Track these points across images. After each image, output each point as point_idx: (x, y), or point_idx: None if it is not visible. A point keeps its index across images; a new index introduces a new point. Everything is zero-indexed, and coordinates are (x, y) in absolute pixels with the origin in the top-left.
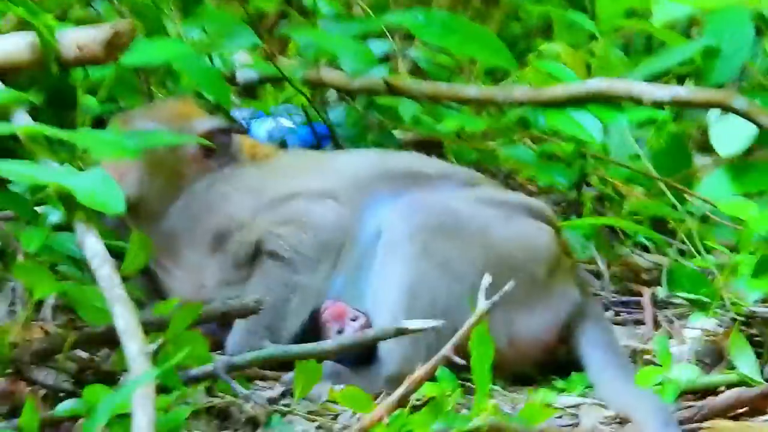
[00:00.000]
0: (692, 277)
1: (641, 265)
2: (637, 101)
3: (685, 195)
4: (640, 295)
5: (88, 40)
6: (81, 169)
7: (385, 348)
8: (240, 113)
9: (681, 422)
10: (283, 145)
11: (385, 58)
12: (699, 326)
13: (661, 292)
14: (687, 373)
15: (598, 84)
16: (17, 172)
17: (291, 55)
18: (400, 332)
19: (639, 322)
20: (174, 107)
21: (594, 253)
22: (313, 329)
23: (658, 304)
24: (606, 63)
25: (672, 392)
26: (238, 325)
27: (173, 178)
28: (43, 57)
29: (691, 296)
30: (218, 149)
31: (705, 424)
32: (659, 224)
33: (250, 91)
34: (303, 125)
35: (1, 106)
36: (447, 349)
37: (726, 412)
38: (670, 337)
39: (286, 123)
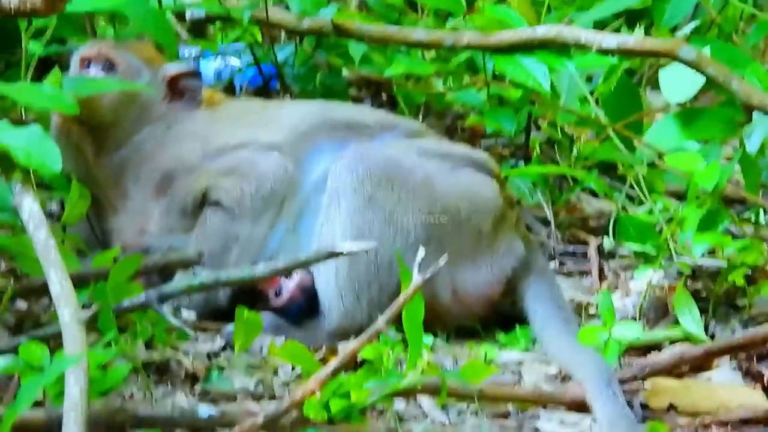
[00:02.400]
0: (639, 227)
1: (589, 212)
2: (585, 48)
3: (634, 142)
4: (587, 244)
5: None
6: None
7: (327, 302)
8: (188, 51)
9: (623, 380)
10: (230, 84)
11: None
12: (645, 279)
13: (608, 242)
14: (630, 331)
15: (546, 30)
16: None
17: None
18: (333, 254)
19: (585, 273)
20: (149, 47)
21: (541, 200)
22: (248, 295)
23: (605, 255)
24: (559, 3)
25: (614, 350)
26: (179, 276)
27: (142, 111)
28: None
29: (638, 248)
30: (185, 93)
31: (647, 382)
32: (609, 168)
33: (198, 29)
34: (251, 65)
35: None
36: (381, 322)
37: (669, 371)
38: (615, 288)
39: (234, 62)
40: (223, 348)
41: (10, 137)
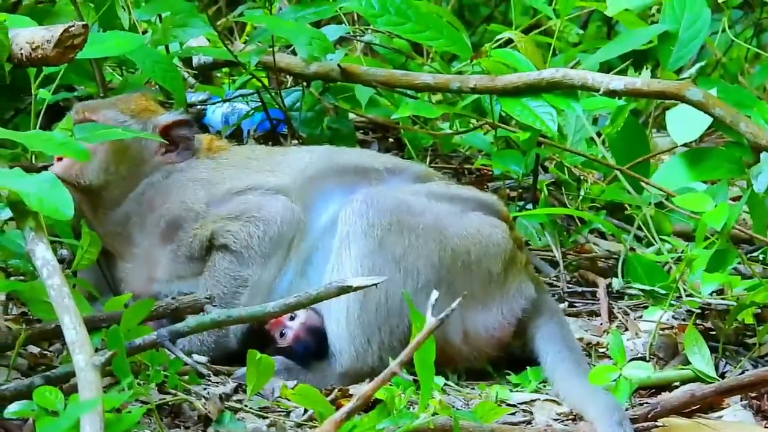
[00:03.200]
0: (648, 267)
1: (597, 252)
2: (592, 91)
3: (642, 183)
4: (596, 285)
5: (41, 42)
6: (32, 166)
7: (337, 344)
8: (195, 97)
9: (635, 420)
10: (238, 129)
11: (341, 40)
12: (654, 319)
13: (617, 283)
14: (641, 371)
15: (552, 73)
16: None
17: (247, 39)
18: (343, 290)
19: (594, 314)
20: (138, 100)
21: (550, 241)
22: (258, 338)
23: (614, 295)
24: (564, 45)
25: (625, 390)
26: (189, 320)
27: (135, 167)
28: None
29: (647, 287)
30: (179, 142)
31: (659, 422)
32: (617, 209)
33: (205, 75)
34: (258, 110)
35: None
36: (395, 365)
37: (680, 410)
38: (625, 330)
39: (242, 107)
40: (235, 390)
41: (23, 183)
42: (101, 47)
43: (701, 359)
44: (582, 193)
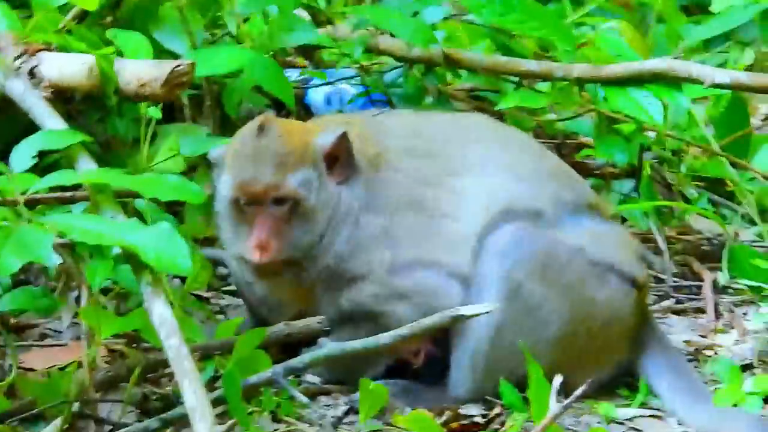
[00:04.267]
0: (753, 257)
1: (701, 233)
2: (697, 83)
3: (742, 166)
4: (701, 278)
5: (149, 78)
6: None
7: (457, 373)
8: (295, 76)
9: None
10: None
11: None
12: (761, 321)
13: (723, 278)
14: (758, 385)
15: (657, 64)
16: (82, 229)
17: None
18: (456, 320)
19: (700, 311)
20: (290, 125)
21: (653, 229)
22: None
23: (719, 289)
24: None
25: (757, 405)
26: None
27: (330, 215)
28: (102, 86)
29: (754, 284)
30: (342, 161)
31: None
32: (719, 184)
33: (308, 53)
34: (361, 95)
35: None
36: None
37: None
38: (731, 328)
39: (345, 87)
40: (346, 413)
41: (138, 237)
42: (211, 64)
43: None
44: (683, 168)
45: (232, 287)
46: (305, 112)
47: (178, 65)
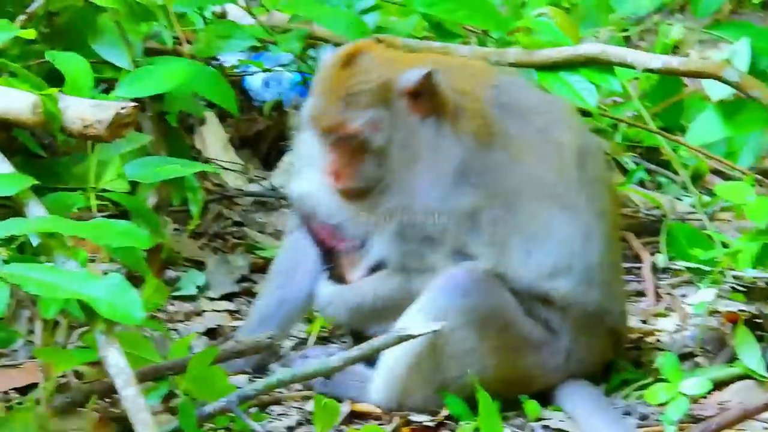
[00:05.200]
0: (691, 237)
1: (639, 207)
2: (630, 68)
3: (676, 141)
4: (640, 258)
5: (93, 120)
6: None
7: (378, 380)
8: (232, 60)
9: None
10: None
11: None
12: (700, 299)
13: (661, 260)
14: (697, 387)
15: (591, 49)
16: (34, 279)
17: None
18: (403, 339)
19: (640, 294)
20: (369, 74)
21: None
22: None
23: (659, 270)
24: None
25: (683, 409)
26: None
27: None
28: (46, 124)
29: (692, 265)
30: (427, 97)
31: None
32: (654, 153)
33: None
34: (300, 84)
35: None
36: None
37: (733, 425)
38: (672, 311)
39: (282, 72)
40: (299, 423)
41: (93, 289)
42: (153, 83)
43: (752, 357)
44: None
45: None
46: (244, 96)
47: (123, 108)
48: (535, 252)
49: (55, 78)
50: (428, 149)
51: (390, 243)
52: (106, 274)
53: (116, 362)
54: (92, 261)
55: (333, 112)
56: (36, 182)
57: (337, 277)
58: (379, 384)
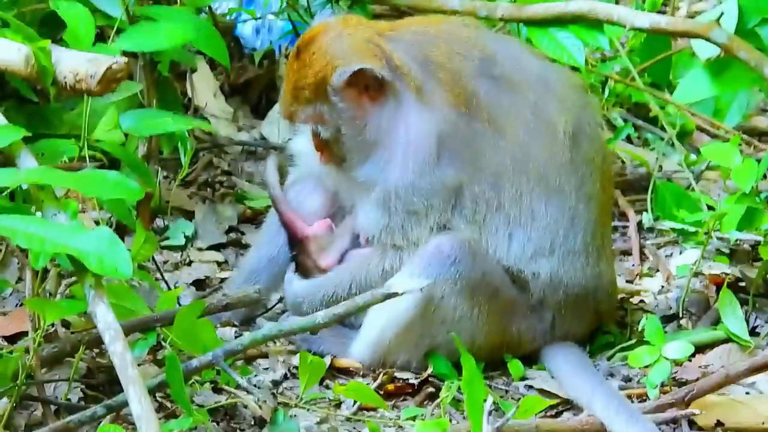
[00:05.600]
0: (677, 196)
1: (626, 164)
2: (618, 25)
3: (664, 99)
4: (626, 216)
5: (85, 74)
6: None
7: (361, 339)
8: (225, 6)
9: (672, 405)
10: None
11: None
12: (683, 261)
13: (647, 219)
14: (680, 351)
15: (580, 6)
16: (22, 232)
17: None
18: (389, 296)
19: (626, 253)
20: (322, 47)
21: None
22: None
23: (644, 230)
24: None
25: (665, 372)
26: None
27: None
28: (38, 77)
29: (677, 226)
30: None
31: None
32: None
33: None
34: (287, 30)
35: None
36: None
37: (715, 390)
38: (656, 272)
39: (272, 19)
40: (284, 376)
41: (80, 242)
42: (152, 40)
43: (735, 321)
44: (606, 94)
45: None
46: (235, 43)
47: (114, 62)
48: (517, 235)
49: (48, 24)
50: (394, 125)
51: (373, 217)
52: (96, 223)
53: (104, 317)
54: (83, 212)
55: (286, 104)
56: (27, 133)
57: (302, 268)
58: (363, 343)
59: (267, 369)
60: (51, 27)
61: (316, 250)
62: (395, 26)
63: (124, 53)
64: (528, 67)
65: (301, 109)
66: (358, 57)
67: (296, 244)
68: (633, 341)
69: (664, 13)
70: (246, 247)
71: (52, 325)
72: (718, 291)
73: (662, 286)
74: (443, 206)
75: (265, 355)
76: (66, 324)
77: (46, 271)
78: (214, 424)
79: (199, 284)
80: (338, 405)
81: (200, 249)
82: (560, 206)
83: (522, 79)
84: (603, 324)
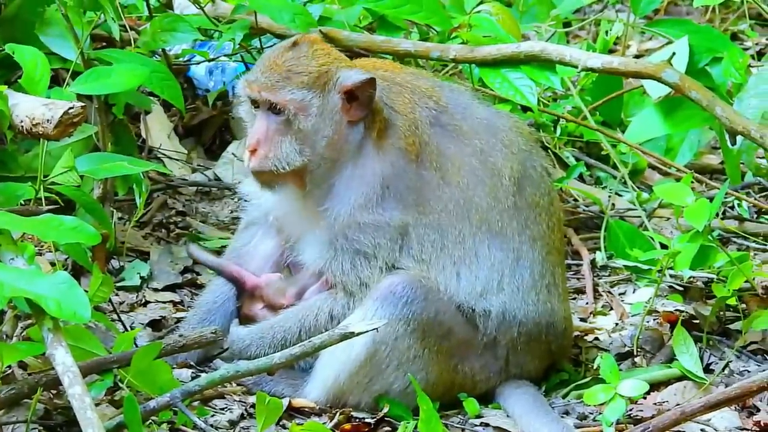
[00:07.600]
0: (630, 235)
1: (578, 202)
2: (570, 66)
3: (615, 138)
4: (579, 255)
5: (41, 119)
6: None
7: (315, 378)
8: (177, 49)
9: None
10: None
11: None
12: (637, 299)
13: (600, 257)
14: (635, 389)
15: (531, 46)
16: None
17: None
18: (346, 337)
19: (579, 291)
20: (313, 60)
21: None
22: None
23: (598, 268)
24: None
25: (620, 410)
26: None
27: (331, 140)
28: None
29: (630, 264)
30: (360, 99)
31: None
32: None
33: None
34: (240, 72)
35: None
36: None
37: (670, 428)
38: (610, 310)
39: (226, 61)
40: (241, 416)
41: (39, 286)
42: (107, 83)
43: (689, 359)
44: (558, 133)
45: None
46: (189, 85)
47: (71, 107)
48: (464, 273)
49: (3, 66)
50: (350, 156)
51: (318, 250)
52: (52, 264)
53: (63, 360)
54: (39, 253)
55: (269, 81)
56: None
57: (244, 316)
58: (317, 384)
59: (224, 409)
60: (6, 69)
61: (273, 293)
62: (363, 66)
63: (79, 96)
64: (476, 116)
65: (289, 89)
66: (365, 69)
67: (244, 295)
68: (588, 379)
69: (614, 51)
70: (201, 287)
71: (9, 366)
72: (672, 328)
73: (616, 324)
74: (391, 245)
75: (222, 396)
76: (23, 365)
77: (2, 313)
78: None
79: (155, 325)
80: None
81: (156, 289)
82: (503, 248)
83: (471, 128)
84: (557, 362)
